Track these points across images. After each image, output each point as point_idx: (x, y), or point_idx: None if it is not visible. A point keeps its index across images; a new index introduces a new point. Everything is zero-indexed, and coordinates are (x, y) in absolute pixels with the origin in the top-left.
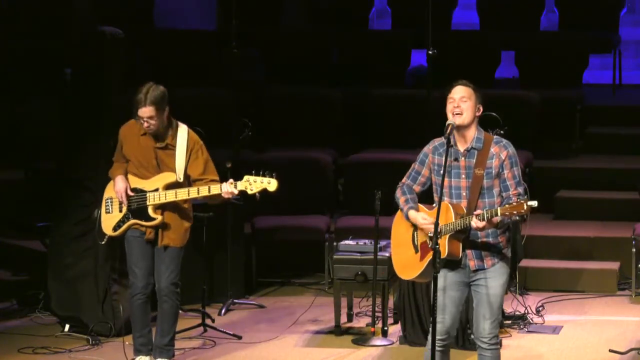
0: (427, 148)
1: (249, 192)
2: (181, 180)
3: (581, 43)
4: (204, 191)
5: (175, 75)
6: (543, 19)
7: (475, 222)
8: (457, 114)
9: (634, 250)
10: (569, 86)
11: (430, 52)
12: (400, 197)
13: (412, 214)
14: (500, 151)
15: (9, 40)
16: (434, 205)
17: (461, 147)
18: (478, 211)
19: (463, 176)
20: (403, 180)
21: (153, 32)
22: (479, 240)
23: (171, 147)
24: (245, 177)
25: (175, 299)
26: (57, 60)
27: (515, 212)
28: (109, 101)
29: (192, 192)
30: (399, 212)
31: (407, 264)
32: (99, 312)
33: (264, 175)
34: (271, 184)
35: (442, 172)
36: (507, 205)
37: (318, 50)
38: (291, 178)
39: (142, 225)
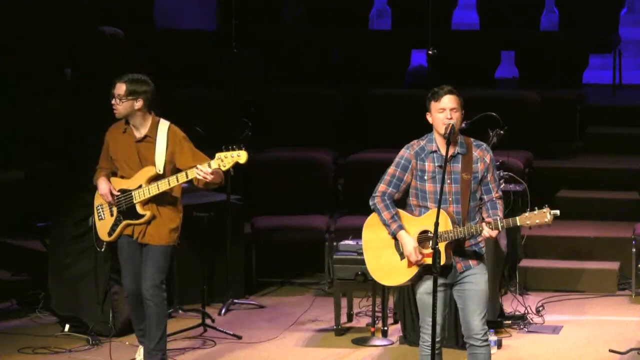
0: (408, 153)
1: (223, 168)
2: (161, 172)
3: (581, 43)
4: (182, 178)
5: (175, 75)
6: (543, 19)
7: (488, 232)
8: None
9: (634, 250)
10: (569, 86)
11: (430, 52)
12: (384, 212)
13: (403, 236)
14: (484, 155)
15: (9, 40)
16: (407, 207)
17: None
18: (489, 219)
19: (448, 181)
20: (382, 189)
21: (153, 32)
22: (463, 242)
23: (150, 140)
24: (217, 155)
25: (159, 302)
26: (57, 60)
27: (537, 221)
28: (109, 101)
29: (172, 181)
30: (372, 216)
31: (390, 270)
32: (99, 312)
33: (233, 150)
34: (241, 157)
35: (426, 177)
36: (526, 215)
37: (318, 50)
38: (291, 178)
39: (134, 224)
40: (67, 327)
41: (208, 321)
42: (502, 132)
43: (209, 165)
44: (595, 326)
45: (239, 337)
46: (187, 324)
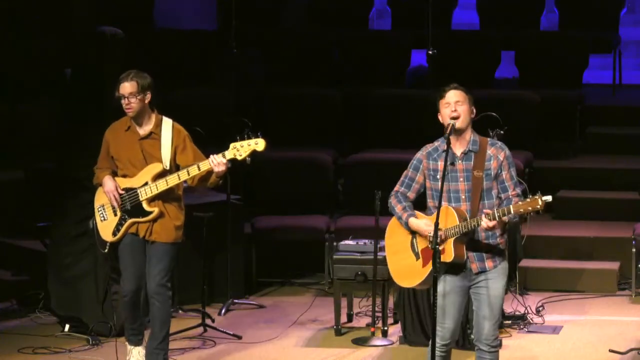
0: (421, 154)
1: (239, 157)
2: (167, 168)
3: (581, 43)
4: (193, 170)
5: (176, 75)
6: (543, 19)
7: (485, 222)
8: (454, 117)
9: (634, 250)
10: (569, 86)
11: (430, 52)
12: (397, 206)
13: (413, 221)
14: (498, 152)
15: (9, 40)
16: (427, 210)
17: (458, 151)
18: (487, 210)
19: (461, 179)
20: (396, 188)
21: (153, 32)
22: (480, 242)
23: (155, 136)
24: (231, 145)
25: (164, 301)
26: (57, 60)
27: (530, 208)
28: (108, 101)
29: (182, 175)
30: (393, 220)
31: (408, 272)
32: (99, 312)
33: (249, 138)
34: (259, 144)
35: (438, 176)
36: (520, 203)
37: (318, 50)
38: (291, 178)
39: (140, 222)
40: (67, 327)
41: (208, 321)
42: (502, 132)
43: (224, 156)
44: (595, 326)
45: (239, 337)
46: (187, 324)
